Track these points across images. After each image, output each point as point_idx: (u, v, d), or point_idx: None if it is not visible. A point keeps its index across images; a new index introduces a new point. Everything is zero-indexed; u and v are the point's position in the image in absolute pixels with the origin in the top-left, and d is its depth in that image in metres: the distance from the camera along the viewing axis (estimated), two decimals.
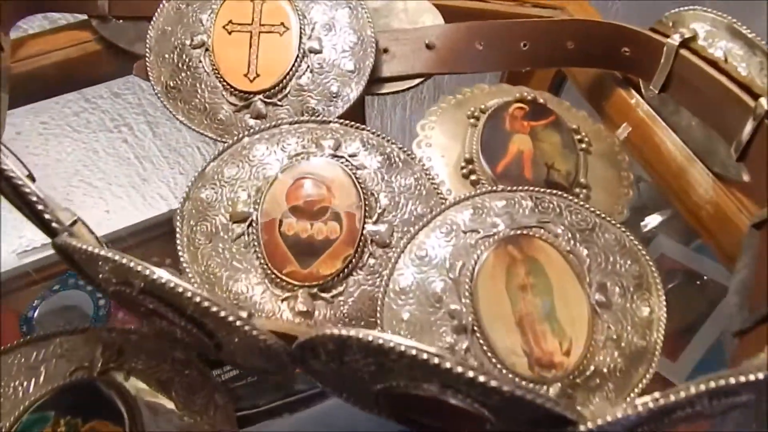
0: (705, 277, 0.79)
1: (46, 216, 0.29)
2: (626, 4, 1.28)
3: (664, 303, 0.36)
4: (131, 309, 0.35)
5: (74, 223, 0.30)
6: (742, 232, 0.43)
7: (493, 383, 0.22)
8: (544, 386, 0.33)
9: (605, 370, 0.35)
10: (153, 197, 1.28)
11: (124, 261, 0.26)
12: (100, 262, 0.27)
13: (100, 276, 0.29)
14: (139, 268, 0.25)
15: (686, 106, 0.47)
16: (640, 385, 0.35)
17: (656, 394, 0.23)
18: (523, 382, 0.33)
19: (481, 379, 0.22)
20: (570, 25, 0.49)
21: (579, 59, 0.52)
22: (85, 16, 0.53)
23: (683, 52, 0.45)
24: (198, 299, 0.25)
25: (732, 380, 0.23)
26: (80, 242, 0.27)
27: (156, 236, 0.93)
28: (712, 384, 0.23)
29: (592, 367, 0.34)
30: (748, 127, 0.40)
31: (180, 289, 0.25)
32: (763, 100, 0.39)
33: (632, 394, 0.35)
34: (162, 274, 0.25)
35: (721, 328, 0.75)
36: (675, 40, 0.44)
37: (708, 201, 0.46)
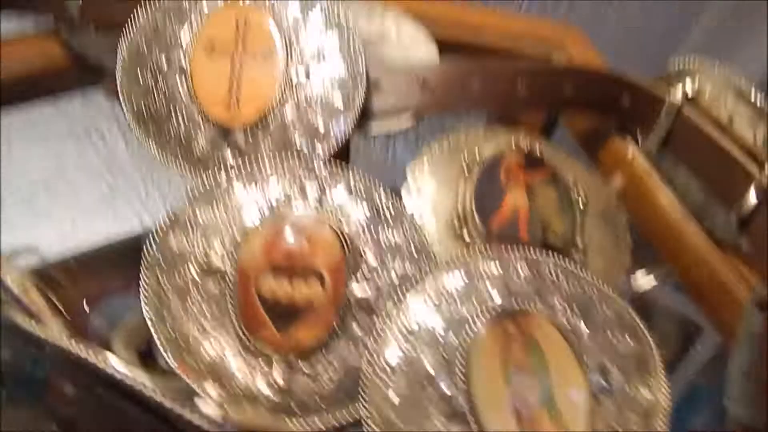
0: (681, 316, 0.78)
1: None
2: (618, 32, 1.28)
3: (668, 389, 0.35)
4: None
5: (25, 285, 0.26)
6: (738, 302, 0.42)
7: None
8: None
9: None
10: (123, 209, 1.21)
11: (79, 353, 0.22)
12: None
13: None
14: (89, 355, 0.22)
15: (686, 164, 0.46)
16: None
17: None
18: None
19: None
20: (569, 72, 0.47)
21: (576, 105, 0.50)
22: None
23: (686, 110, 0.43)
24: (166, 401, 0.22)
25: None
26: (24, 320, 0.23)
27: (123, 260, 0.87)
28: None
29: None
30: (752, 198, 0.39)
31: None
32: None
33: None
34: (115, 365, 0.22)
35: (696, 368, 0.75)
36: (677, 97, 0.43)
37: (703, 264, 0.45)
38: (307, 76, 0.43)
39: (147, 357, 0.44)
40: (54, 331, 0.24)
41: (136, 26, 0.44)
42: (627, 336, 0.36)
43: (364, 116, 0.46)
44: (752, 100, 0.40)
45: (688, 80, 0.44)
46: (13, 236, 1.08)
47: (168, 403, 0.22)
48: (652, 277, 0.47)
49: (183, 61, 0.43)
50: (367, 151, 1.14)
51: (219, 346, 0.34)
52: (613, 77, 0.47)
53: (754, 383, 0.33)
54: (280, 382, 0.34)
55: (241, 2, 0.44)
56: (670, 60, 0.46)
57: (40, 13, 0.48)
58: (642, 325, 0.37)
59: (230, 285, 0.35)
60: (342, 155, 0.46)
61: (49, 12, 0.48)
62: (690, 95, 0.43)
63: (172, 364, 0.33)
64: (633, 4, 1.24)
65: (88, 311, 0.71)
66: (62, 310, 0.29)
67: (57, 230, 1.12)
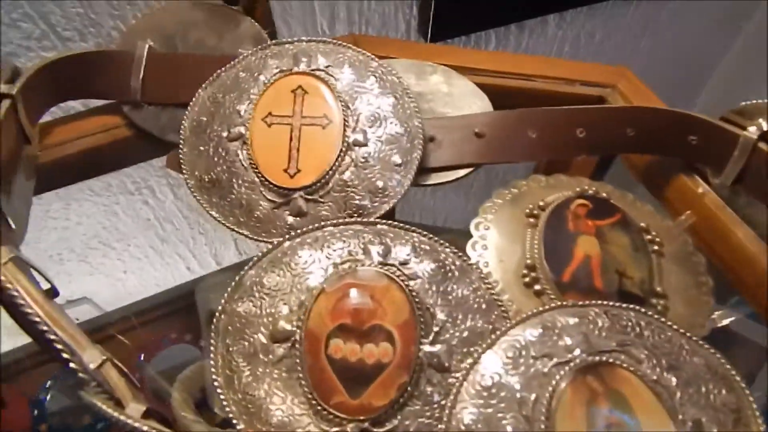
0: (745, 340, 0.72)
1: (68, 359, 0.25)
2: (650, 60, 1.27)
3: None
4: None
5: (102, 364, 0.26)
6: None
7: None
8: None
9: None
10: (172, 257, 1.26)
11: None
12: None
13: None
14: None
15: (764, 202, 0.43)
16: None
17: None
18: None
19: None
20: (630, 113, 0.46)
21: (640, 147, 0.48)
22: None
23: (762, 145, 0.41)
24: None
25: None
26: (104, 405, 0.23)
27: (176, 310, 0.90)
28: None
29: None
30: None
31: None
32: None
33: None
34: None
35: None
36: (753, 132, 0.41)
37: None
38: (365, 138, 0.44)
39: (202, 406, 0.44)
40: (133, 414, 0.24)
41: (196, 102, 0.46)
42: (720, 387, 0.33)
43: (423, 170, 0.47)
44: None
45: (761, 117, 0.42)
46: (71, 290, 1.14)
47: None
48: (729, 312, 0.44)
49: (243, 131, 0.44)
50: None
51: (290, 411, 0.34)
52: (678, 115, 0.45)
53: None
54: None
55: (296, 73, 0.46)
56: (740, 102, 0.45)
57: (104, 98, 0.51)
58: (736, 373, 0.34)
59: (299, 349, 0.35)
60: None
61: (112, 97, 0.51)
62: (765, 130, 0.41)
63: (241, 428, 0.33)
64: (665, 33, 1.23)
65: (145, 363, 0.72)
66: (137, 383, 0.29)
67: (110, 281, 1.17)
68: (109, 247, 1.17)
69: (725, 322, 0.47)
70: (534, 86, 0.56)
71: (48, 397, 0.76)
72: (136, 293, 1.21)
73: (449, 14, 0.90)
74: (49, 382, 0.77)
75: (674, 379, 0.33)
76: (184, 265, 1.31)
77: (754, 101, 0.42)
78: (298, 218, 0.43)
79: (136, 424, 0.23)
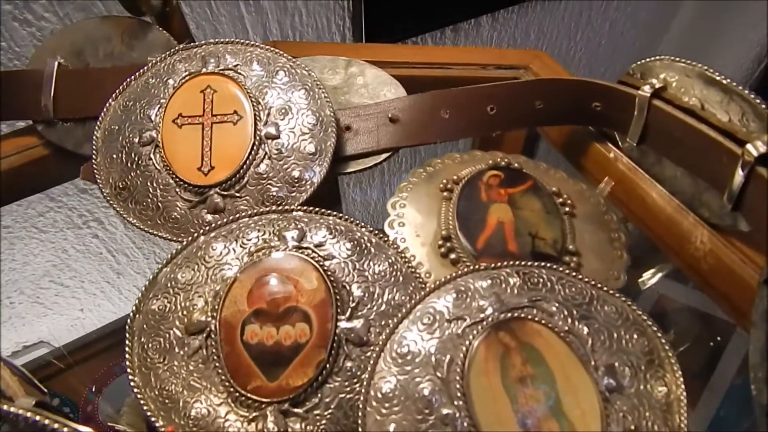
0: (709, 315, 0.74)
1: None
2: (590, 32, 1.31)
3: (682, 380, 0.32)
4: None
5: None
6: (749, 284, 0.40)
7: None
8: None
9: None
10: (129, 290, 1.23)
11: (37, 419, 0.21)
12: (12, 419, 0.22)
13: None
14: (55, 426, 0.21)
15: (668, 157, 0.45)
16: None
17: None
18: None
19: None
20: (536, 85, 0.48)
21: (549, 118, 0.50)
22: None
23: (656, 102, 0.43)
24: None
25: None
26: None
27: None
28: None
29: None
30: (739, 176, 0.38)
31: None
32: (749, 146, 0.36)
33: None
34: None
35: (735, 366, 0.70)
36: (646, 91, 0.43)
37: (707, 253, 0.43)
38: (277, 130, 0.44)
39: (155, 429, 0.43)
40: (23, 406, 0.23)
41: (107, 112, 0.46)
42: (632, 332, 0.34)
43: (342, 158, 0.47)
44: (718, 79, 0.39)
45: (653, 75, 0.44)
46: (24, 333, 1.09)
47: None
48: (657, 273, 0.45)
49: (154, 135, 0.44)
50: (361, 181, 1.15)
51: (208, 402, 0.33)
52: (579, 83, 0.47)
53: None
54: (274, 430, 0.32)
55: (205, 73, 0.46)
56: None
57: (16, 119, 0.50)
58: (648, 319, 0.35)
59: (215, 339, 0.34)
60: (333, 198, 0.46)
61: (25, 117, 0.50)
62: (657, 86, 0.42)
63: (161, 425, 0.32)
64: (602, 24, 1.27)
65: (95, 395, 0.70)
66: (41, 388, 0.28)
67: (67, 320, 1.13)
68: (62, 286, 1.13)
69: (653, 281, 0.48)
70: (449, 74, 0.57)
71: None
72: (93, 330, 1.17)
73: (381, 22, 0.92)
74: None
75: (586, 329, 0.34)
76: None
77: (645, 60, 0.44)
78: (215, 215, 0.42)
79: (26, 414, 0.22)
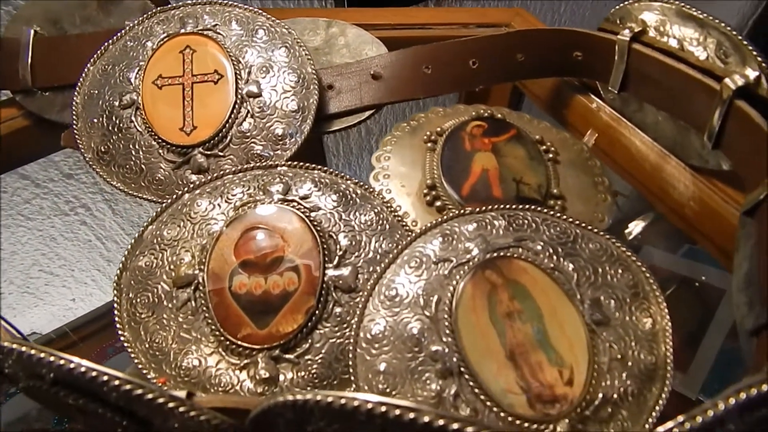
0: (698, 282, 0.76)
1: None
2: (573, 5, 1.30)
3: (666, 311, 0.33)
4: (55, 409, 0.30)
5: None
6: (732, 224, 0.40)
7: None
8: (550, 425, 0.29)
9: (615, 396, 0.30)
10: None
11: (23, 349, 0.21)
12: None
13: (6, 371, 0.24)
14: (42, 355, 0.21)
15: (649, 102, 0.45)
16: (658, 408, 0.31)
17: (680, 418, 0.19)
18: (526, 424, 0.28)
19: (470, 430, 0.18)
20: (516, 37, 0.48)
21: (531, 71, 0.50)
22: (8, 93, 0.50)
23: (636, 46, 0.43)
24: (117, 382, 0.21)
25: (765, 388, 0.20)
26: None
27: None
28: (743, 396, 0.20)
29: (600, 395, 0.30)
30: (718, 113, 0.38)
31: (94, 374, 0.21)
32: (727, 80, 0.37)
33: (651, 420, 0.30)
34: (70, 359, 0.21)
35: (725, 330, 0.71)
36: (625, 36, 0.43)
37: (690, 197, 0.44)
38: (259, 88, 0.44)
39: None
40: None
41: (86, 78, 0.46)
42: (617, 267, 0.34)
43: (325, 117, 0.47)
44: (694, 14, 0.39)
45: (631, 19, 0.44)
46: (17, 323, 1.08)
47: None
48: (642, 222, 0.45)
49: (135, 98, 0.43)
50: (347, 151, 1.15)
51: (199, 352, 0.33)
52: (559, 33, 0.47)
53: (757, 286, 0.31)
54: (266, 376, 0.32)
55: (183, 34, 0.45)
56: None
57: None
58: (631, 254, 0.35)
59: (203, 291, 0.34)
60: (317, 157, 0.46)
61: (3, 87, 0.49)
62: (636, 30, 0.43)
63: (152, 377, 0.32)
64: None
65: None
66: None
67: (59, 310, 1.12)
68: (52, 275, 1.12)
69: (638, 230, 0.48)
70: (431, 33, 0.57)
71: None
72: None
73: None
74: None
75: (571, 265, 0.34)
76: None
77: (624, 3, 0.44)
78: (200, 175, 0.42)
79: (12, 346, 0.22)
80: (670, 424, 0.19)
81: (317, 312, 0.34)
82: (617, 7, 0.44)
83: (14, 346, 0.22)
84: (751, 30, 1.47)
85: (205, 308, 0.34)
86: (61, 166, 0.90)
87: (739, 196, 0.41)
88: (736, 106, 0.36)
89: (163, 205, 0.39)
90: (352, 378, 0.31)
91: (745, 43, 0.36)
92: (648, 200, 0.49)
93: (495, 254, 0.34)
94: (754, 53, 0.36)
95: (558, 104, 0.52)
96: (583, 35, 0.46)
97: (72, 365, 0.21)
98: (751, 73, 0.36)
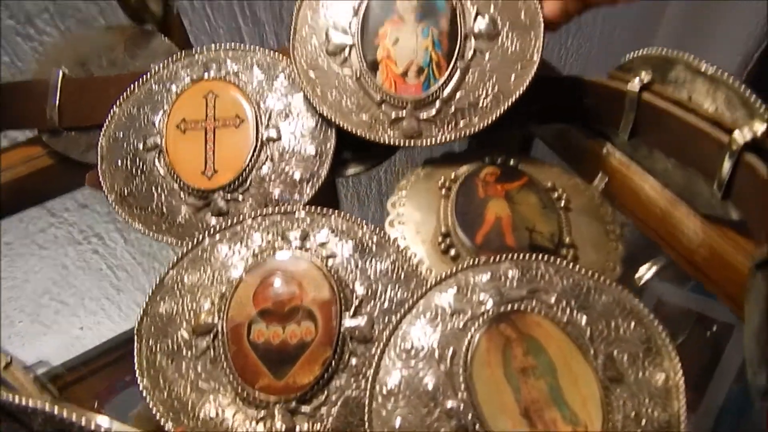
0: (709, 331, 0.75)
1: None
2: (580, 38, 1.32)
3: (680, 366, 0.33)
4: None
5: (7, 365, 0.26)
6: (742, 273, 0.41)
7: None
8: None
9: None
10: (129, 307, 1.23)
11: (55, 412, 0.22)
12: (29, 413, 0.23)
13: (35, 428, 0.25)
14: (74, 418, 0.22)
15: (659, 149, 0.46)
16: None
17: None
18: None
19: None
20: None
21: (543, 117, 0.51)
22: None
23: (646, 96, 0.44)
24: None
25: None
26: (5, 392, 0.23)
27: (129, 351, 0.87)
28: None
29: None
30: (727, 164, 0.39)
31: None
32: (737, 133, 0.37)
33: None
34: (102, 423, 0.22)
35: (734, 372, 0.71)
36: (635, 85, 0.43)
37: (700, 244, 0.44)
38: (278, 133, 0.45)
39: None
40: (39, 400, 0.24)
41: (112, 120, 0.47)
42: (629, 321, 0.35)
43: (341, 161, 0.48)
44: (703, 70, 0.40)
45: (641, 69, 0.44)
46: (24, 351, 1.09)
47: None
48: (653, 266, 0.46)
49: (158, 141, 0.45)
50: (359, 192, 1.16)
51: (216, 402, 0.34)
52: (569, 81, 0.48)
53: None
54: (282, 429, 0.33)
55: (207, 79, 0.47)
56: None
57: (23, 128, 0.51)
58: (643, 307, 0.35)
59: (222, 340, 0.35)
60: (330, 199, 0.47)
61: (31, 126, 0.51)
62: (646, 81, 0.43)
63: (170, 427, 0.33)
64: (592, 31, 1.28)
65: (98, 410, 0.70)
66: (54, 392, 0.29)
67: (67, 339, 1.13)
68: (62, 303, 1.13)
69: (649, 275, 0.49)
70: None
71: None
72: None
73: None
74: None
75: (584, 318, 0.34)
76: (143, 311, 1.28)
77: (633, 53, 0.45)
78: (220, 218, 0.43)
79: (45, 407, 0.23)
80: None
81: (333, 363, 0.34)
82: (627, 56, 0.45)
83: (45, 407, 0.23)
84: (756, 64, 1.48)
85: (223, 357, 0.35)
86: (77, 196, 0.91)
87: (750, 245, 0.41)
88: (746, 159, 0.37)
89: (184, 250, 0.40)
90: (368, 430, 0.32)
91: (753, 98, 0.37)
92: (658, 245, 0.49)
93: (509, 307, 0.34)
94: (762, 109, 0.36)
95: (568, 147, 0.53)
96: (592, 84, 0.47)
97: (101, 428, 0.22)
98: (759, 128, 0.37)
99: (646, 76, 0.43)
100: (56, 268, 1.04)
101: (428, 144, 0.44)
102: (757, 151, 0.37)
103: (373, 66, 0.44)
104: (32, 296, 1.03)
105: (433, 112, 0.43)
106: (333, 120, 0.44)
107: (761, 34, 1.41)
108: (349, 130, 0.44)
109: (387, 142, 0.44)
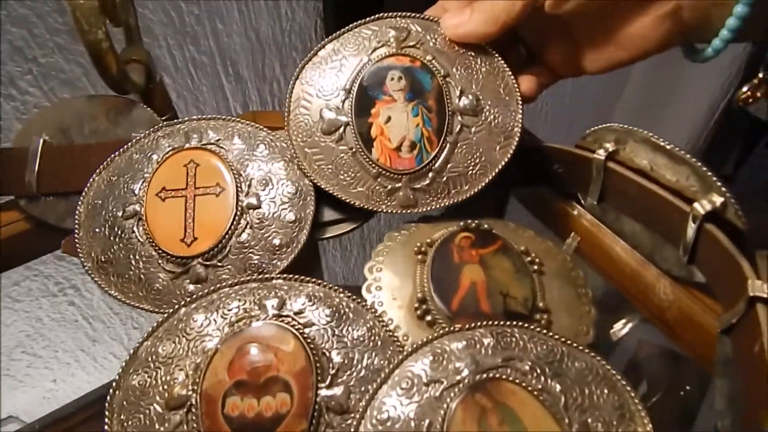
0: (683, 391, 0.76)
1: None
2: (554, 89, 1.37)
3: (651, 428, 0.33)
4: None
5: None
6: (711, 334, 0.42)
7: None
8: None
9: None
10: (105, 358, 1.20)
11: None
12: None
13: None
14: None
15: (626, 214, 0.48)
16: None
17: None
18: None
19: None
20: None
21: (516, 181, 0.53)
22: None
23: (611, 165, 0.46)
24: None
25: None
26: None
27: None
28: None
29: None
30: (690, 232, 0.40)
31: None
32: (697, 204, 0.39)
33: None
34: None
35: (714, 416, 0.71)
36: (601, 155, 0.46)
37: (670, 305, 0.45)
38: (258, 201, 0.46)
39: None
40: None
41: (91, 187, 0.48)
42: (603, 387, 0.35)
43: (320, 224, 0.49)
44: (661, 144, 0.42)
45: (605, 141, 0.47)
46: None
47: None
48: (628, 323, 0.47)
49: (138, 209, 0.45)
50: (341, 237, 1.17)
51: None
52: (543, 150, 0.50)
53: (739, 410, 0.32)
54: None
55: (188, 148, 0.48)
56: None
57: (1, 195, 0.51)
58: (617, 373, 0.36)
59: (195, 413, 0.35)
60: (313, 262, 0.47)
61: (8, 193, 0.51)
62: (611, 149, 0.46)
63: None
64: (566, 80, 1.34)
65: None
66: None
67: (39, 392, 1.09)
68: (35, 356, 1.10)
69: (624, 331, 0.50)
70: None
71: None
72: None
73: None
74: None
75: (558, 386, 0.35)
76: (119, 364, 1.25)
77: (598, 126, 0.47)
78: (198, 285, 0.43)
79: None
80: None
81: None
82: (592, 129, 0.48)
83: None
84: (722, 114, 1.55)
85: None
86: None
87: (717, 306, 0.43)
88: (706, 229, 0.39)
89: (159, 320, 0.40)
90: None
91: (709, 174, 0.39)
92: (631, 303, 0.50)
93: (484, 375, 0.35)
94: (718, 184, 0.39)
95: (541, 208, 0.55)
96: (561, 152, 0.49)
97: None
98: (718, 199, 0.39)
99: (610, 146, 0.45)
100: (30, 320, 1.02)
101: (423, 212, 0.47)
102: (716, 221, 0.39)
103: (368, 142, 0.46)
104: (4, 351, 1.00)
105: (427, 182, 0.46)
106: (332, 193, 0.46)
107: (726, 84, 1.48)
108: (348, 201, 0.46)
109: (385, 212, 0.46)
